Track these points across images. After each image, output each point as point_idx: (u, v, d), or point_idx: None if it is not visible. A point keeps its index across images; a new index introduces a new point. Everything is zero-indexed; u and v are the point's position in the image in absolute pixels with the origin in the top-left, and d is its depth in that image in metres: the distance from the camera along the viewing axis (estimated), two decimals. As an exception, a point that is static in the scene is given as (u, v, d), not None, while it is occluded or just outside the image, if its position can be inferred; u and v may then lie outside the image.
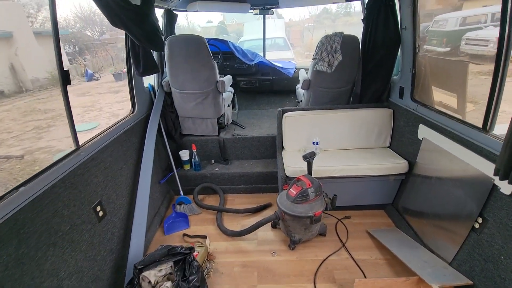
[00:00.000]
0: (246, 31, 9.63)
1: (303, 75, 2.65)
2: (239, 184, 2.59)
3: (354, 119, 2.37)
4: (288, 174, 2.13)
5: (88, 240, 1.45)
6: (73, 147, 1.50)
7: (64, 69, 1.36)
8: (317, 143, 2.31)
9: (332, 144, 2.42)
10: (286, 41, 6.84)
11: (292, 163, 2.16)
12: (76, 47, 14.81)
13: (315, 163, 1.94)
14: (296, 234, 1.91)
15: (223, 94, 2.61)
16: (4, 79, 9.63)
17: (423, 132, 1.91)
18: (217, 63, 2.99)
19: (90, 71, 11.82)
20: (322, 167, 2.08)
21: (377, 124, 2.35)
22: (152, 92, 2.42)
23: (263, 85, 3.51)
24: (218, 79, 2.42)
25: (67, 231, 1.32)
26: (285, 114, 2.39)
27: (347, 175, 2.08)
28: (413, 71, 2.01)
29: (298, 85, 3.09)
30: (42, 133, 6.67)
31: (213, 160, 2.73)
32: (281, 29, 9.24)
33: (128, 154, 1.97)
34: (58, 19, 1.34)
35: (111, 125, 1.87)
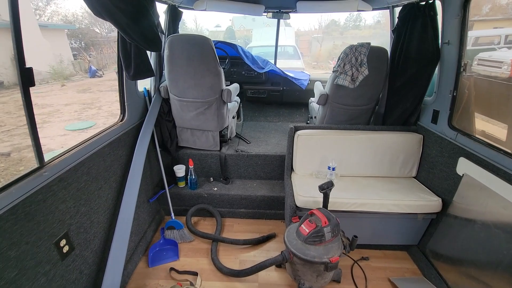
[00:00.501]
0: (255, 37, 9.43)
1: (319, 89, 2.35)
2: (239, 207, 2.27)
3: (377, 142, 2.05)
4: (298, 204, 1.81)
5: (43, 287, 1.13)
6: (35, 165, 1.18)
7: (27, 66, 1.05)
8: (333, 169, 1.99)
9: (350, 169, 2.10)
10: (296, 49, 6.58)
11: (303, 191, 1.84)
12: (82, 42, 14.68)
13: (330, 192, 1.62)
14: (306, 281, 1.57)
15: (228, 104, 2.31)
16: (5, 70, 9.40)
17: (465, 167, 1.59)
18: (223, 69, 2.70)
19: (93, 68, 11.62)
20: (340, 198, 1.76)
21: (403, 150, 2.04)
22: (147, 98, 2.11)
23: (272, 96, 3.22)
24: (224, 87, 2.12)
25: (12, 279, 0.99)
26: (298, 132, 2.08)
27: (369, 211, 1.76)
28: (454, 93, 1.70)
29: (312, 98, 2.79)
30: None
31: (211, 178, 2.41)
32: (291, 37, 9.04)
33: (112, 170, 1.66)
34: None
35: (91, 136, 1.56)
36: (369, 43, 1.97)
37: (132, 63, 1.45)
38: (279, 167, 2.39)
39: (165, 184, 2.11)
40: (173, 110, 2.24)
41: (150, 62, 1.57)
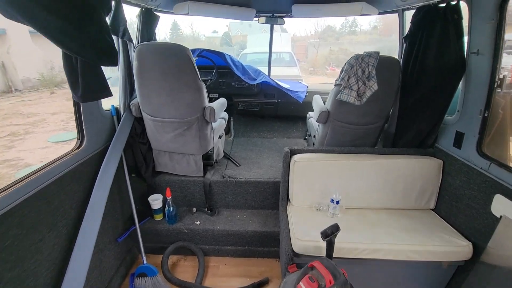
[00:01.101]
0: (250, 43, 9.17)
1: (318, 104, 2.03)
2: (226, 244, 1.92)
3: (388, 169, 1.73)
4: (296, 249, 1.47)
5: None
6: None
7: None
8: (337, 202, 1.66)
9: (357, 201, 1.77)
10: (292, 56, 6.30)
11: (302, 232, 1.51)
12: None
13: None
14: None
15: (213, 123, 1.98)
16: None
17: (503, 207, 1.27)
18: (209, 80, 2.38)
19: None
20: (347, 243, 1.42)
21: (419, 177, 1.72)
22: (115, 117, 1.78)
23: (266, 109, 2.89)
24: (207, 104, 1.79)
25: None
26: (295, 157, 1.75)
27: (382, 259, 1.43)
28: (486, 114, 1.39)
29: (310, 113, 2.47)
30: (16, 140, 5.98)
31: (194, 209, 2.06)
32: (287, 43, 8.79)
33: (61, 212, 1.31)
34: None
35: (30, 173, 1.21)
36: (377, 53, 1.66)
37: (79, 81, 1.12)
38: (273, 196, 2.05)
39: (135, 219, 1.76)
40: (148, 131, 1.91)
41: (105, 78, 1.24)
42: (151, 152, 2.01)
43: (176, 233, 1.90)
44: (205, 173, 2.05)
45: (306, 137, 2.88)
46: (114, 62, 1.14)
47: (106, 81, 1.24)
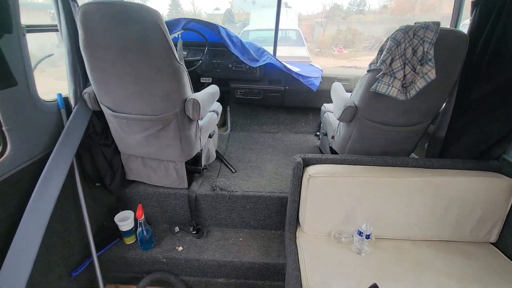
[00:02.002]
0: (253, 20, 8.40)
1: (340, 96, 1.52)
2: (217, 276, 1.49)
3: (438, 188, 1.26)
4: (311, 309, 1.03)
5: None
6: None
7: None
8: (367, 237, 1.21)
9: (390, 228, 1.32)
10: (300, 34, 5.64)
11: (318, 278, 1.07)
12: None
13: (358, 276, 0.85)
14: None
15: (200, 121, 1.48)
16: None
17: None
18: (200, 61, 1.86)
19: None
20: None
21: (480, 201, 1.25)
22: (63, 111, 1.29)
23: (270, 98, 2.37)
24: (189, 96, 1.29)
25: None
26: (309, 170, 1.28)
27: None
28: None
29: (326, 105, 1.96)
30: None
31: (177, 228, 1.62)
32: (294, 20, 8.01)
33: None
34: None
35: None
36: (438, 24, 1.13)
37: None
38: (278, 214, 1.60)
39: (91, 246, 1.32)
40: (111, 130, 1.42)
41: (4, 60, 0.73)
42: (118, 155, 1.54)
43: (152, 262, 1.46)
44: (190, 183, 1.59)
45: (319, 133, 2.39)
46: (7, 29, 0.63)
47: (7, 67, 0.74)
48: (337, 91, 1.61)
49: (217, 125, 1.78)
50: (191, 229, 1.59)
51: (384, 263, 1.19)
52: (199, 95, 1.30)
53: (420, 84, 1.16)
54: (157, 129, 1.31)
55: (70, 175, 1.31)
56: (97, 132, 1.39)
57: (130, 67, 1.13)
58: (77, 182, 1.31)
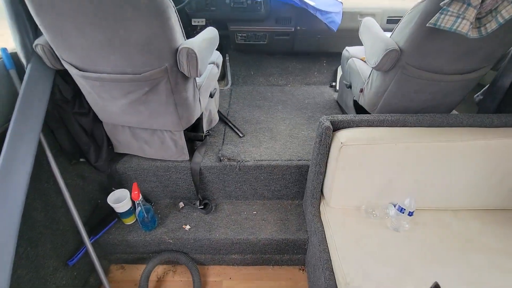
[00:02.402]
0: None
1: (378, 36, 1.18)
2: (231, 253, 1.36)
3: (496, 151, 1.03)
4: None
5: None
6: None
7: None
8: (410, 214, 1.02)
9: (430, 197, 1.13)
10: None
11: (353, 264, 0.91)
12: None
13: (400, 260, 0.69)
14: None
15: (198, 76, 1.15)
16: None
17: None
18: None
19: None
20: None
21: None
22: (14, 72, 0.96)
23: (278, 42, 1.97)
24: (182, 44, 0.94)
25: None
26: (340, 136, 1.02)
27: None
28: None
29: (350, 49, 1.61)
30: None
31: (181, 203, 1.43)
32: None
33: None
34: None
35: None
36: None
37: None
38: (296, 183, 1.39)
39: (82, 234, 1.14)
40: (85, 95, 1.10)
41: None
42: (101, 125, 1.25)
43: (157, 243, 1.31)
44: (192, 153, 1.34)
45: (334, 84, 2.06)
46: None
47: None
48: (372, 29, 1.24)
49: (211, 95, 1.45)
50: (198, 203, 1.40)
51: (426, 242, 1.03)
52: (195, 42, 0.96)
53: (508, 13, 0.82)
54: (143, 93, 0.99)
55: (44, 154, 1.05)
56: (67, 99, 1.07)
57: (88, 2, 0.77)
58: (51, 162, 1.05)
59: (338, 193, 1.14)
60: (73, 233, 1.22)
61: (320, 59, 2.15)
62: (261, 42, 1.96)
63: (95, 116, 1.19)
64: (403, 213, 1.04)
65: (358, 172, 1.08)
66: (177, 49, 0.93)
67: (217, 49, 1.41)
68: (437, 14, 0.89)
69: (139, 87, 0.98)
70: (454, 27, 0.88)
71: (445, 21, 0.88)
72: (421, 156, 1.04)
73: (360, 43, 1.50)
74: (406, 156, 1.04)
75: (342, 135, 1.02)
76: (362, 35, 1.34)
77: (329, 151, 1.07)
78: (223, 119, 1.63)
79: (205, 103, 1.27)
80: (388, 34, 1.23)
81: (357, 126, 1.08)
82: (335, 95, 1.92)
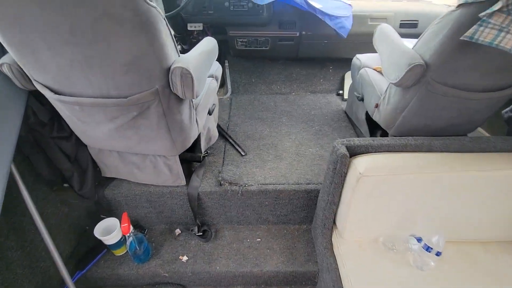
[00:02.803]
0: None
1: (398, 47, 1.05)
2: (233, 286, 1.23)
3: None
4: None
5: None
6: None
7: None
8: (437, 254, 0.90)
9: (457, 229, 1.02)
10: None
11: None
12: None
13: None
14: None
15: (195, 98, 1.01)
16: None
17: None
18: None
19: None
20: None
21: None
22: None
23: (281, 48, 1.83)
24: (175, 62, 0.80)
25: None
26: (357, 164, 0.89)
27: None
28: None
29: (360, 57, 1.47)
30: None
31: (178, 230, 1.30)
32: None
33: None
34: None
35: None
36: None
37: None
38: (305, 208, 1.26)
39: (62, 271, 1.00)
40: (65, 118, 0.96)
41: None
42: (86, 148, 1.11)
43: (151, 277, 1.18)
44: (188, 176, 1.20)
45: (341, 92, 1.93)
46: None
47: None
48: (391, 39, 1.11)
49: (209, 112, 1.32)
50: (196, 230, 1.27)
51: (454, 282, 0.91)
52: (190, 59, 0.82)
53: None
54: (131, 117, 0.86)
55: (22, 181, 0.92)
56: (43, 122, 0.93)
57: (60, 13, 0.63)
58: (23, 192, 0.92)
59: (353, 224, 1.01)
60: (58, 269, 1.09)
61: (326, 65, 2.01)
62: (263, 48, 1.82)
63: (78, 139, 1.05)
64: (429, 251, 0.91)
65: (377, 203, 0.96)
66: (169, 68, 0.79)
67: (217, 60, 1.28)
68: (475, 26, 0.76)
69: (126, 112, 0.84)
70: (496, 42, 0.75)
71: (485, 35, 0.75)
72: (450, 186, 0.92)
73: (371, 50, 1.37)
74: (432, 186, 0.91)
75: (361, 164, 0.89)
76: (378, 44, 1.21)
77: (344, 180, 0.95)
78: (223, 134, 1.49)
79: (202, 123, 1.13)
80: (407, 42, 1.10)
81: (376, 151, 0.95)
82: (343, 105, 1.78)
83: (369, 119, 1.40)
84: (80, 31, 0.66)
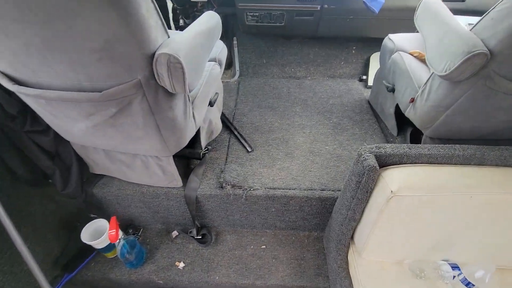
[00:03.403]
0: None
1: (450, 27, 0.82)
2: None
3: None
4: None
5: None
6: None
7: None
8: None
9: (503, 257, 0.84)
10: None
11: None
12: None
13: None
14: None
15: (187, 93, 0.82)
16: None
17: None
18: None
19: None
20: None
21: None
22: None
23: (298, 24, 1.57)
24: (160, 47, 0.62)
25: None
26: (388, 179, 0.72)
27: None
28: None
29: (394, 38, 1.23)
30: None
31: (175, 232, 1.18)
32: None
33: None
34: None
35: None
36: None
37: None
38: (317, 215, 1.11)
39: (39, 279, 0.91)
40: (36, 112, 0.80)
41: None
42: (68, 143, 0.97)
43: (144, 283, 1.08)
44: (186, 175, 1.06)
45: (365, 77, 1.69)
46: None
47: None
48: (440, 16, 0.87)
49: (211, 103, 1.13)
50: (194, 232, 1.15)
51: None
52: (183, 43, 0.63)
53: None
54: (110, 114, 0.69)
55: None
56: (13, 115, 0.79)
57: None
58: None
59: (375, 244, 0.86)
60: (43, 270, 1.00)
61: (348, 46, 1.75)
62: (278, 24, 1.58)
63: (58, 134, 0.90)
64: (467, 285, 0.76)
65: (409, 224, 0.79)
66: (153, 54, 0.61)
67: (222, 34, 1.07)
68: None
69: (102, 108, 0.68)
70: None
71: None
72: (505, 210, 0.73)
73: (406, 29, 1.13)
74: (481, 209, 0.73)
75: (393, 180, 0.71)
76: (422, 24, 0.97)
77: (370, 196, 0.78)
78: (227, 124, 1.32)
79: (202, 117, 0.96)
80: (460, 19, 0.87)
81: (413, 162, 0.76)
82: (366, 94, 1.56)
83: (398, 113, 1.19)
84: (28, 6, 0.48)
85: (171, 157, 0.92)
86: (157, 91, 0.67)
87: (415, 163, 0.76)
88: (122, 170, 0.99)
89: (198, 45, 0.70)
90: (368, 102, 1.49)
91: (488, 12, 0.73)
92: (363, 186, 0.74)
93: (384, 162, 0.77)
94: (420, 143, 1.20)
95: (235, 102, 1.50)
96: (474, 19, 0.87)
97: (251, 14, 1.54)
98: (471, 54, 0.71)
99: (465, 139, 1.00)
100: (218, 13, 0.94)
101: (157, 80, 0.64)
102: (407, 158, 0.76)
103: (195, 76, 0.68)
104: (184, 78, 0.62)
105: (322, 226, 1.16)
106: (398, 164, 0.77)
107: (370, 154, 0.74)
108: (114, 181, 1.08)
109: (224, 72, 1.82)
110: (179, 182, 1.01)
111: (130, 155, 0.93)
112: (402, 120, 1.21)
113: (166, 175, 0.97)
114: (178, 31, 0.80)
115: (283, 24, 1.57)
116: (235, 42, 1.76)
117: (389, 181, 0.72)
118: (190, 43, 0.66)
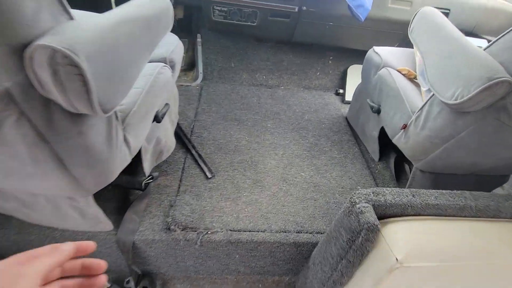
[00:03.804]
0: None
1: (458, 43, 0.67)
2: None
3: None
4: None
5: None
6: None
7: None
8: None
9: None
10: None
11: None
12: None
13: None
14: None
15: (96, 114, 0.56)
16: None
17: None
18: None
19: None
20: None
21: None
22: None
23: (272, 26, 1.37)
24: (43, 36, 0.35)
25: None
26: (390, 241, 0.53)
27: None
28: None
29: (379, 51, 1.08)
30: None
31: (107, 283, 0.88)
32: None
33: None
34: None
35: None
36: None
37: None
38: (290, 261, 0.90)
39: None
40: None
41: None
42: None
43: None
44: (121, 212, 0.78)
45: (341, 91, 1.55)
46: None
47: None
48: (444, 31, 0.72)
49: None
50: (132, 283, 0.87)
51: None
52: (89, 32, 0.38)
53: None
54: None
55: None
56: None
57: None
58: None
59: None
60: None
61: (325, 55, 1.60)
62: (249, 23, 1.36)
63: None
64: None
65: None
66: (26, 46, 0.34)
67: (178, 30, 0.82)
68: None
69: None
70: None
71: None
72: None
73: (389, 43, 0.99)
74: (501, 277, 0.59)
75: (398, 243, 0.53)
76: (418, 37, 0.82)
77: (364, 259, 0.59)
78: (183, 140, 1.06)
79: (141, 139, 0.70)
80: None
81: (419, 214, 0.59)
82: (344, 110, 1.41)
83: (382, 137, 1.05)
84: None
85: (92, 198, 0.64)
86: (49, 107, 0.40)
87: (420, 214, 0.60)
88: (20, 210, 0.68)
89: (123, 39, 0.44)
90: (346, 119, 1.34)
91: (508, 32, 0.59)
92: (358, 248, 0.55)
93: (383, 213, 0.59)
94: (405, 174, 1.08)
95: (195, 112, 1.25)
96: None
97: (219, 8, 1.30)
98: (493, 82, 0.56)
99: (459, 174, 0.88)
100: (180, 3, 0.69)
101: (40, 91, 0.37)
102: (411, 208, 0.58)
103: (116, 89, 0.43)
104: (89, 93, 0.36)
105: (295, 271, 0.96)
106: (400, 216, 0.59)
107: (367, 205, 0.55)
108: (11, 222, 0.76)
109: (184, 74, 1.55)
110: (107, 225, 0.73)
111: (28, 192, 0.63)
112: (384, 143, 1.07)
113: (87, 219, 0.68)
114: (95, 14, 0.53)
115: (255, 24, 1.36)
116: (199, 39, 1.50)
117: (392, 243, 0.53)
118: (105, 34, 0.40)
